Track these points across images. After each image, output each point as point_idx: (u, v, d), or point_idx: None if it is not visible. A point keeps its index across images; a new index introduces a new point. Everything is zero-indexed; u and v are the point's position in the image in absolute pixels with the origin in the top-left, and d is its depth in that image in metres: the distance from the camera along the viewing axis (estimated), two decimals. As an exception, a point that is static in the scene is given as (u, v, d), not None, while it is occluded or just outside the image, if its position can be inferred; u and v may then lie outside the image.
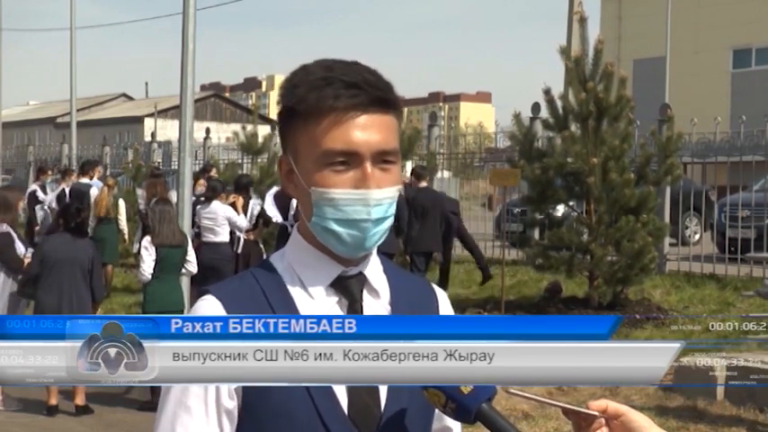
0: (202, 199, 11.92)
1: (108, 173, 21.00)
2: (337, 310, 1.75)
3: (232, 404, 1.70)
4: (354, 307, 1.76)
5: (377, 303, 1.79)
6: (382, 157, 1.71)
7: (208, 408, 1.69)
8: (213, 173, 14.99)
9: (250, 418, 1.70)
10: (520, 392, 1.69)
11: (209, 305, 1.72)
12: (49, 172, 18.89)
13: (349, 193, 1.69)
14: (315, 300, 1.74)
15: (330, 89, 1.69)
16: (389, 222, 1.74)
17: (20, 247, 9.17)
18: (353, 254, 1.74)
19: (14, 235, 9.25)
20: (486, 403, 1.63)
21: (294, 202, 11.08)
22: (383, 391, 1.73)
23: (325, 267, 1.76)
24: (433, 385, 1.63)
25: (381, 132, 1.71)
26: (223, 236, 11.57)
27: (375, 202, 1.70)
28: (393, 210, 1.74)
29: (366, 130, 1.70)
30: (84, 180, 15.80)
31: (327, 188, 1.69)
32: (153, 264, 9.04)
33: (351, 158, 1.69)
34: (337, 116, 1.69)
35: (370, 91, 1.70)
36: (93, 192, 14.89)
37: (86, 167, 16.23)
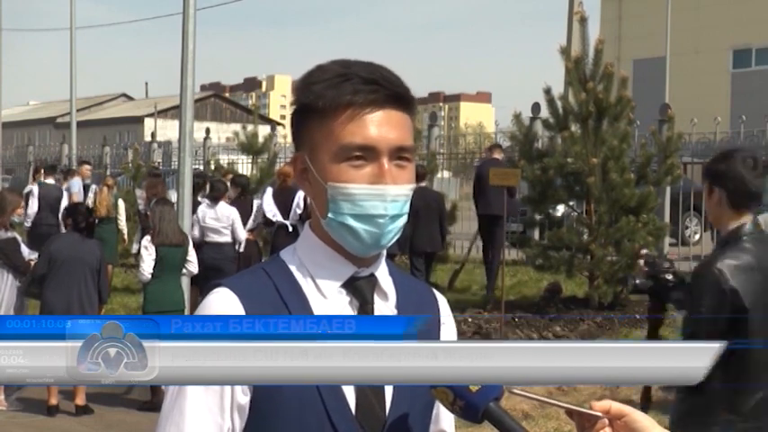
0: (202, 200, 11.89)
1: (108, 173, 21.01)
2: (349, 311, 1.75)
3: (245, 399, 1.70)
4: (365, 308, 1.76)
5: (385, 305, 1.79)
6: (399, 154, 1.71)
7: (223, 402, 1.69)
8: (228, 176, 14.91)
9: (260, 415, 1.70)
10: (523, 392, 1.69)
11: (224, 297, 1.72)
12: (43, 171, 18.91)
13: (366, 187, 1.69)
14: (327, 299, 1.74)
15: (348, 85, 1.70)
16: (404, 220, 1.74)
17: (25, 251, 9.22)
18: (368, 251, 1.74)
19: (19, 239, 9.29)
20: (494, 402, 1.64)
21: (297, 200, 11.09)
22: (388, 392, 1.74)
23: (338, 267, 1.76)
24: (441, 384, 1.63)
25: (398, 129, 1.72)
26: (227, 236, 11.58)
27: (392, 197, 1.70)
28: (408, 208, 1.74)
29: (383, 126, 1.70)
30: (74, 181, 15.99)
31: (344, 183, 1.69)
32: (153, 263, 9.04)
33: (368, 153, 1.69)
34: (355, 111, 1.69)
35: (389, 87, 1.71)
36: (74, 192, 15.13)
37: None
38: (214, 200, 11.64)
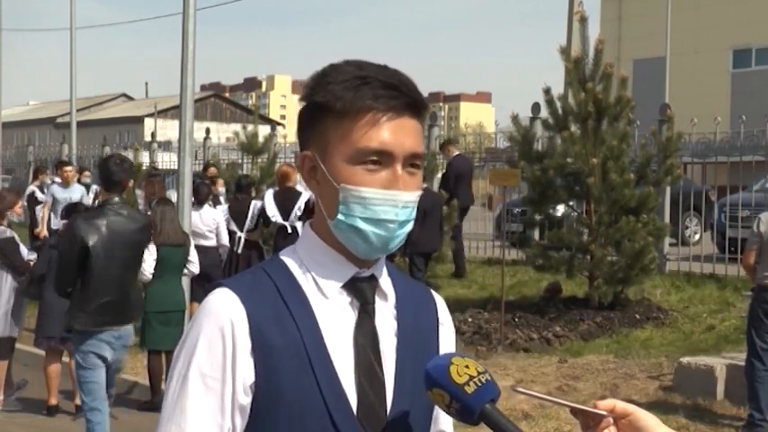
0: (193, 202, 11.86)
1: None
2: (350, 311, 1.75)
3: (246, 400, 1.69)
4: (367, 309, 1.76)
5: (385, 306, 1.80)
6: (411, 161, 1.73)
7: (224, 403, 1.69)
8: (212, 171, 14.91)
9: (261, 415, 1.70)
10: (527, 391, 1.69)
11: (225, 298, 1.71)
12: (47, 172, 18.85)
13: (380, 192, 1.70)
14: (329, 299, 1.74)
15: (368, 89, 1.70)
16: (411, 226, 1.76)
17: (23, 251, 9.20)
18: (375, 255, 1.75)
19: (18, 239, 9.27)
20: (490, 404, 1.64)
21: (299, 203, 11.06)
22: (389, 391, 1.74)
23: (340, 267, 1.76)
24: (437, 385, 1.64)
25: (413, 136, 1.73)
26: (212, 240, 11.60)
27: (403, 203, 1.71)
28: (414, 214, 1.75)
29: (400, 133, 1.71)
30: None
31: (359, 186, 1.70)
32: (153, 263, 9.03)
33: (384, 158, 1.70)
34: (375, 116, 1.70)
35: (408, 94, 1.73)
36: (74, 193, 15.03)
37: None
38: (198, 203, 11.62)
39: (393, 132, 1.70)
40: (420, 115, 1.76)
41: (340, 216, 1.72)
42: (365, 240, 1.71)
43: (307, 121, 1.78)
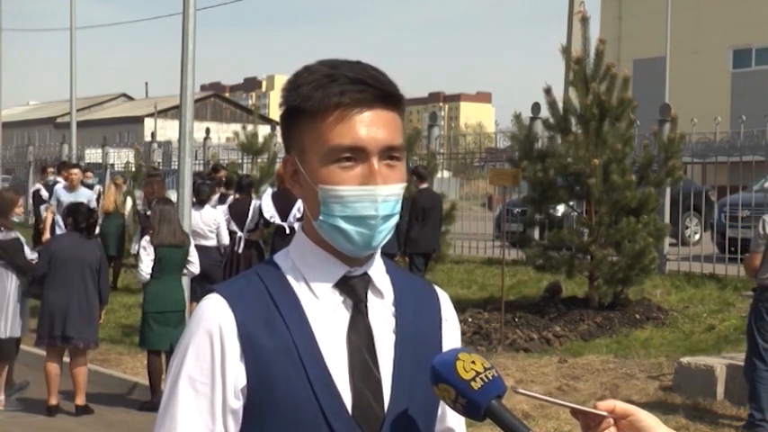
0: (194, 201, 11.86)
1: (108, 173, 21.00)
2: (343, 310, 1.74)
3: (238, 404, 1.69)
4: (359, 307, 1.75)
5: (381, 304, 1.79)
6: (388, 153, 1.71)
7: (215, 408, 1.69)
8: (221, 174, 14.83)
9: (255, 418, 1.70)
10: (527, 392, 1.69)
11: (214, 304, 1.72)
12: (50, 170, 18.84)
13: (357, 189, 1.68)
14: (320, 299, 1.74)
15: (335, 85, 1.69)
16: (395, 220, 1.74)
17: (27, 251, 9.20)
18: (361, 252, 1.73)
19: (23, 239, 9.27)
20: (496, 400, 1.63)
21: (298, 205, 11.05)
22: (386, 390, 1.73)
23: (330, 267, 1.75)
24: (443, 380, 1.64)
25: (387, 128, 1.71)
26: (213, 240, 11.61)
27: (382, 198, 1.69)
28: (399, 207, 1.73)
29: (372, 126, 1.69)
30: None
31: (335, 185, 1.69)
32: (151, 264, 9.02)
33: (357, 154, 1.69)
34: (343, 112, 1.68)
35: (377, 86, 1.71)
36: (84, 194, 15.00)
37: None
38: (200, 203, 11.62)
39: (364, 126, 1.68)
40: (395, 106, 1.73)
41: (321, 217, 1.71)
42: (348, 239, 1.70)
43: (285, 126, 1.78)
